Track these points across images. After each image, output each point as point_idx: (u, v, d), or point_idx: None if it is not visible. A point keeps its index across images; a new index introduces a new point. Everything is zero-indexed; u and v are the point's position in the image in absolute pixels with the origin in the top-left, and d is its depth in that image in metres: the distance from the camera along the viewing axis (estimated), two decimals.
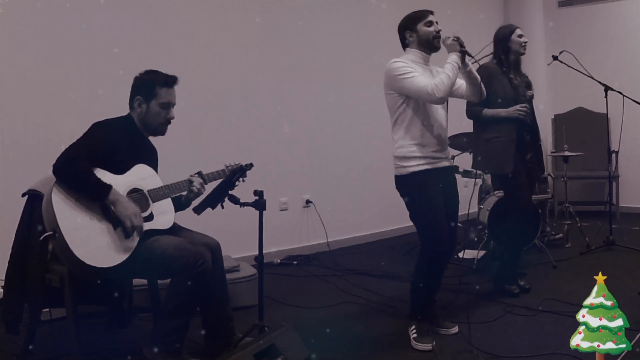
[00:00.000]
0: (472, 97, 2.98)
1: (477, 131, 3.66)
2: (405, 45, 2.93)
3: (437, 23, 2.87)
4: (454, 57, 2.77)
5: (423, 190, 2.80)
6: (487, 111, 3.50)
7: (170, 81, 2.59)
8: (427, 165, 2.82)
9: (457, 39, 2.78)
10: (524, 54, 3.61)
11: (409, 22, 2.88)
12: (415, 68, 2.78)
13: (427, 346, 2.75)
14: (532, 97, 3.62)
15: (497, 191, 4.55)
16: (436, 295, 3.03)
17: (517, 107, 3.45)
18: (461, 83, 2.98)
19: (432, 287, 2.94)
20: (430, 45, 2.86)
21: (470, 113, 3.60)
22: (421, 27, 2.84)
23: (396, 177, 2.90)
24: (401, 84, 2.76)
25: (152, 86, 2.56)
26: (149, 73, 2.60)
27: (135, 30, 3.94)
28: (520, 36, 3.57)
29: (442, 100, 2.77)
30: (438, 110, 2.88)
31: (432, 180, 2.82)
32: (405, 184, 2.85)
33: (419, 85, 2.71)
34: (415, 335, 2.82)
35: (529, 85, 3.63)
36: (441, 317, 3.02)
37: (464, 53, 2.80)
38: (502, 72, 3.56)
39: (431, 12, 2.87)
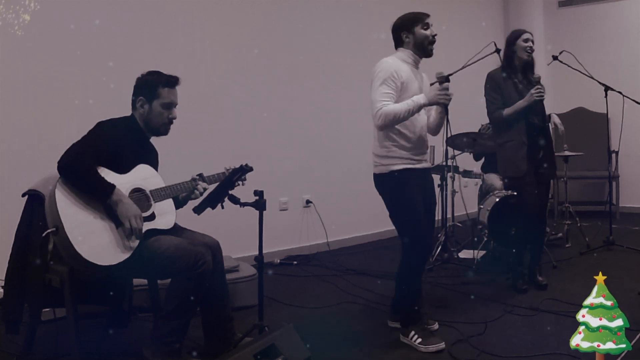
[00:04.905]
0: (430, 131, 2.99)
1: (494, 137, 3.75)
2: (398, 44, 2.88)
3: (432, 26, 2.83)
4: (423, 102, 2.68)
5: (403, 189, 2.79)
6: (507, 110, 3.55)
7: (172, 81, 2.62)
8: (408, 164, 2.81)
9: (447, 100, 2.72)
10: (528, 60, 3.59)
11: (406, 23, 2.83)
12: (402, 70, 2.75)
13: (440, 345, 2.71)
14: (539, 78, 3.59)
15: (497, 191, 4.54)
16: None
17: (532, 91, 3.48)
18: (431, 113, 2.98)
19: (417, 288, 2.91)
20: (424, 49, 2.83)
21: (493, 120, 3.67)
22: (418, 30, 2.80)
23: (375, 175, 2.90)
24: (372, 85, 2.76)
25: (154, 87, 2.59)
26: (152, 74, 2.63)
27: (136, 30, 3.94)
28: (526, 41, 3.56)
29: (378, 128, 2.78)
30: (420, 113, 2.83)
31: (412, 179, 2.80)
32: (385, 181, 2.83)
33: (375, 102, 2.71)
34: (419, 340, 2.76)
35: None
36: (424, 314, 2.98)
37: (444, 106, 2.81)
38: (506, 77, 3.57)
39: (428, 15, 2.83)
